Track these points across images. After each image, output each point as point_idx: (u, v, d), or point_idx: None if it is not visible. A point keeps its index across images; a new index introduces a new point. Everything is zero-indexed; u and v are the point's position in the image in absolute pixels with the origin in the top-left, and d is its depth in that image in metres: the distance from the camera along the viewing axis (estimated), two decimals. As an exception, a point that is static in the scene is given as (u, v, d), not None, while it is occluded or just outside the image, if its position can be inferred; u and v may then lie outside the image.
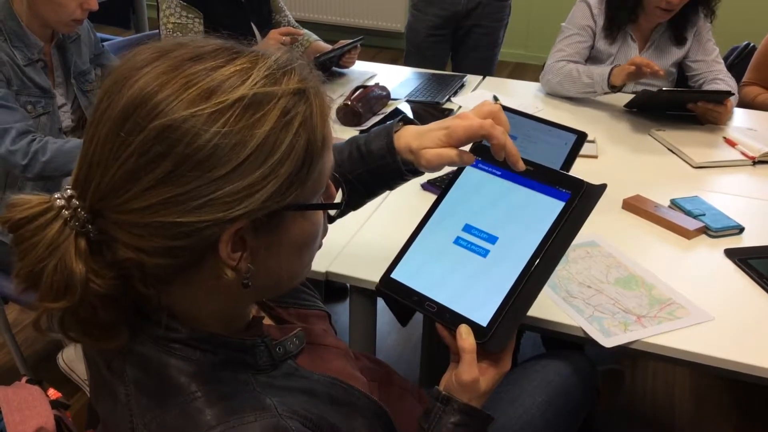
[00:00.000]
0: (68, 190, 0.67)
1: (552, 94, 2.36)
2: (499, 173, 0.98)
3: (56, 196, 0.66)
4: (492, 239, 0.93)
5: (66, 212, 0.65)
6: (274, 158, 0.64)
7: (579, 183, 0.93)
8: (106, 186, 0.64)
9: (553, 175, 0.95)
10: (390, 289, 0.95)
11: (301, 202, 0.69)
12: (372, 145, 1.03)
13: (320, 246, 0.79)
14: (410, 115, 2.19)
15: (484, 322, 0.87)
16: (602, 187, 0.93)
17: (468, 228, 0.95)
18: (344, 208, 1.10)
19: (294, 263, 0.75)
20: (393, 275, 0.96)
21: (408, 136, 1.01)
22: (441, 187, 1.66)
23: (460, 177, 1.00)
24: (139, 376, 0.72)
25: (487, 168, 0.99)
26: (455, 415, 0.87)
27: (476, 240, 0.94)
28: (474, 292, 0.90)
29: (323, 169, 0.71)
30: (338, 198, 0.80)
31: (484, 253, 0.93)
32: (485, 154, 0.98)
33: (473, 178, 1.00)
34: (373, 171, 1.04)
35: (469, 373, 0.86)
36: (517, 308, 0.87)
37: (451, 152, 0.95)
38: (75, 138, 1.87)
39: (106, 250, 0.67)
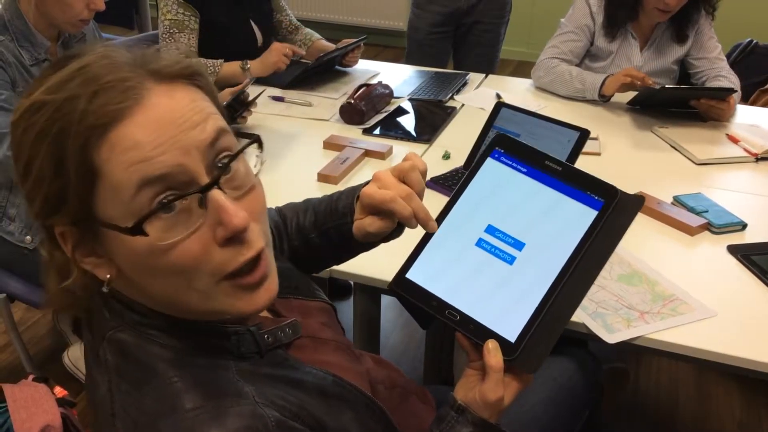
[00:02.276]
0: None
1: (540, 88, 2.39)
2: (524, 170, 0.88)
3: None
4: (518, 245, 0.84)
5: None
6: (31, 173, 0.66)
7: (612, 190, 0.84)
8: None
9: (583, 179, 0.85)
10: (405, 290, 0.86)
11: (99, 218, 0.65)
12: (340, 201, 0.98)
13: (212, 279, 0.69)
14: (411, 113, 2.19)
15: (512, 338, 0.80)
16: (639, 200, 0.85)
17: (491, 230, 0.86)
18: (318, 264, 1.10)
19: (154, 285, 0.69)
20: (408, 275, 0.86)
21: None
22: (445, 186, 1.68)
23: (480, 170, 0.90)
24: (120, 362, 0.73)
25: (510, 162, 0.89)
26: (468, 426, 0.84)
27: (501, 244, 0.85)
28: (499, 303, 0.82)
29: (113, 185, 0.63)
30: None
31: (510, 259, 0.84)
32: (509, 145, 0.89)
33: (496, 173, 0.89)
34: (338, 227, 0.97)
35: (495, 392, 0.81)
36: (548, 326, 0.80)
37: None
38: None
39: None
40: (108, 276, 0.70)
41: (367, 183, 0.92)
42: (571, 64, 2.35)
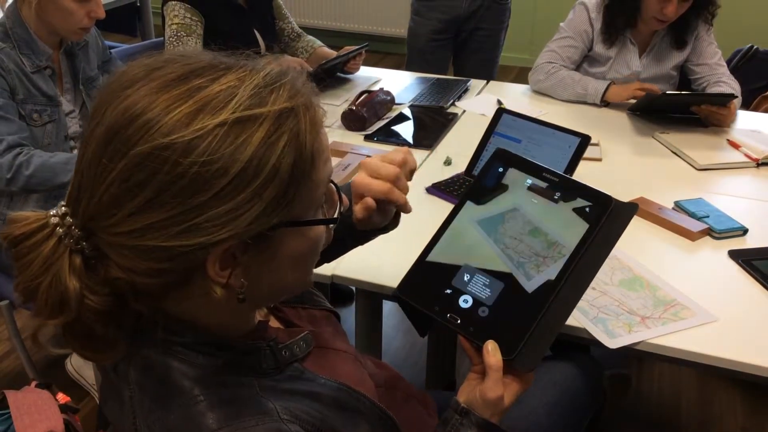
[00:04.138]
0: (63, 207, 0.67)
1: (540, 93, 2.40)
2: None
3: (52, 213, 0.67)
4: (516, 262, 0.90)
5: (60, 230, 0.66)
6: (258, 181, 0.63)
7: (607, 199, 0.88)
8: (93, 207, 0.65)
9: (579, 189, 0.90)
10: (409, 296, 0.91)
11: (293, 219, 0.68)
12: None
13: (319, 257, 0.79)
14: (413, 120, 2.20)
15: (514, 342, 0.84)
16: (633, 207, 0.89)
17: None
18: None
19: (292, 275, 0.74)
20: (406, 284, 0.92)
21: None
22: (446, 191, 1.68)
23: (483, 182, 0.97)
24: (143, 378, 0.73)
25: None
26: (472, 428, 0.85)
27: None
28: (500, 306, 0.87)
29: (317, 183, 0.70)
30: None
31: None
32: (508, 158, 0.95)
33: (492, 186, 0.96)
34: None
35: (495, 391, 0.83)
36: (546, 327, 0.84)
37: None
38: (61, 152, 1.85)
39: (100, 267, 0.67)
40: (243, 281, 0.69)
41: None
42: (567, 69, 2.36)
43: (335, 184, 0.77)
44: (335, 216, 0.77)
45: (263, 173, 0.63)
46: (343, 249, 1.09)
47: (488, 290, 0.87)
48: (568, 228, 0.88)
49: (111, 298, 0.68)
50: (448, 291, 0.89)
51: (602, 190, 0.89)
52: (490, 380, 0.83)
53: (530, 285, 0.86)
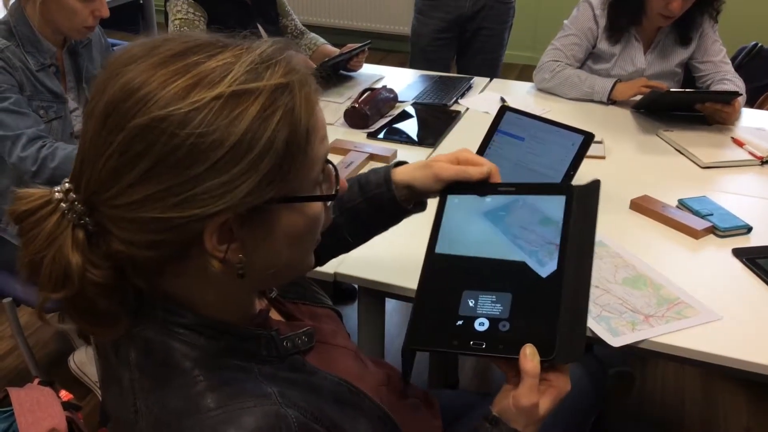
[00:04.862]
0: (66, 184, 0.69)
1: (544, 91, 2.39)
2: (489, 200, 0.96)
3: (56, 189, 0.69)
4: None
5: (63, 205, 0.68)
6: (253, 154, 0.65)
7: (567, 186, 0.92)
8: (95, 181, 0.66)
9: (539, 187, 0.94)
10: (422, 345, 0.86)
11: (288, 194, 0.70)
12: (370, 176, 1.06)
13: (319, 240, 0.79)
14: (416, 118, 2.20)
15: (548, 340, 0.79)
16: (595, 183, 0.92)
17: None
18: (342, 247, 1.13)
19: (290, 253, 0.74)
20: (420, 329, 0.86)
21: (404, 169, 1.04)
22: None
23: (445, 212, 0.96)
24: (144, 360, 0.74)
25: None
26: None
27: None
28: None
29: (313, 160, 0.71)
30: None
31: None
32: (460, 187, 0.97)
33: (461, 210, 0.96)
34: (370, 200, 1.05)
35: (529, 398, 0.78)
36: (571, 314, 0.81)
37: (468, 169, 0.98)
38: None
39: (102, 242, 0.69)
40: (241, 256, 0.70)
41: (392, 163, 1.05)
42: (572, 68, 2.35)
43: (333, 165, 0.77)
44: (333, 194, 0.78)
45: (258, 146, 0.65)
46: (366, 233, 1.11)
47: (498, 305, 0.84)
48: (546, 223, 0.90)
49: (112, 272, 0.69)
50: (459, 323, 0.84)
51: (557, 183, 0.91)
52: (524, 386, 0.78)
53: (544, 271, 0.86)
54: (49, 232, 0.67)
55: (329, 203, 0.78)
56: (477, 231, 0.92)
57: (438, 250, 0.92)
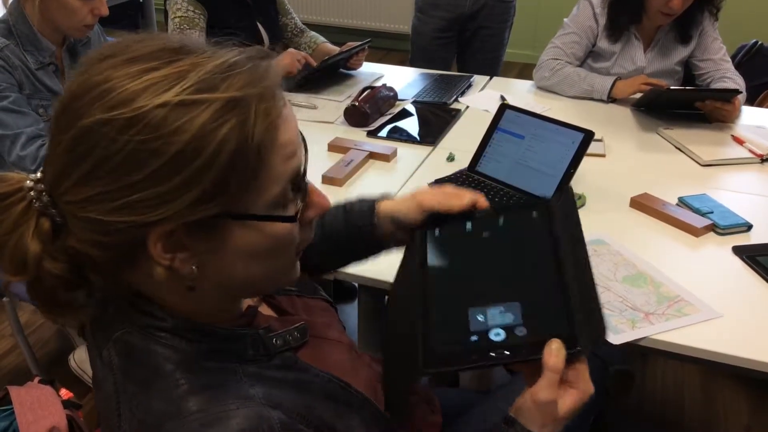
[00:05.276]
0: (39, 173, 0.70)
1: (544, 89, 2.39)
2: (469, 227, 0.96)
3: (30, 177, 0.70)
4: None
5: (31, 194, 0.69)
6: (194, 166, 0.63)
7: (542, 199, 0.93)
8: (51, 176, 0.67)
9: (515, 207, 0.96)
10: (438, 366, 0.82)
11: (239, 211, 0.67)
12: (356, 205, 1.05)
13: (296, 255, 0.77)
14: (416, 116, 2.20)
15: (567, 331, 0.77)
16: (568, 189, 0.93)
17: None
18: (321, 269, 1.12)
19: (250, 270, 0.72)
20: (434, 348, 0.83)
21: (389, 201, 1.03)
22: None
23: (429, 241, 0.95)
24: (126, 364, 0.74)
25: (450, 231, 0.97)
26: None
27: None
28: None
29: (270, 178, 0.68)
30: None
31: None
32: (440, 220, 0.97)
33: (445, 238, 0.96)
34: (351, 227, 1.03)
35: (547, 393, 0.74)
36: (583, 304, 0.80)
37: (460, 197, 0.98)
38: None
39: (63, 235, 0.69)
40: (194, 268, 0.69)
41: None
42: (572, 66, 2.35)
43: (306, 185, 0.75)
44: (309, 215, 0.75)
45: (201, 158, 0.63)
46: (340, 259, 1.11)
47: (509, 314, 0.82)
48: (532, 238, 0.91)
49: (68, 266, 0.70)
50: (474, 338, 0.81)
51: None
52: (544, 380, 0.74)
53: (544, 275, 0.86)
54: (15, 218, 0.68)
55: (307, 221, 0.76)
56: (467, 252, 0.92)
57: (431, 273, 0.90)
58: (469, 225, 0.96)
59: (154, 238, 0.66)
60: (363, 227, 1.02)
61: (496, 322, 0.82)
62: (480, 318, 0.83)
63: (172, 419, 0.68)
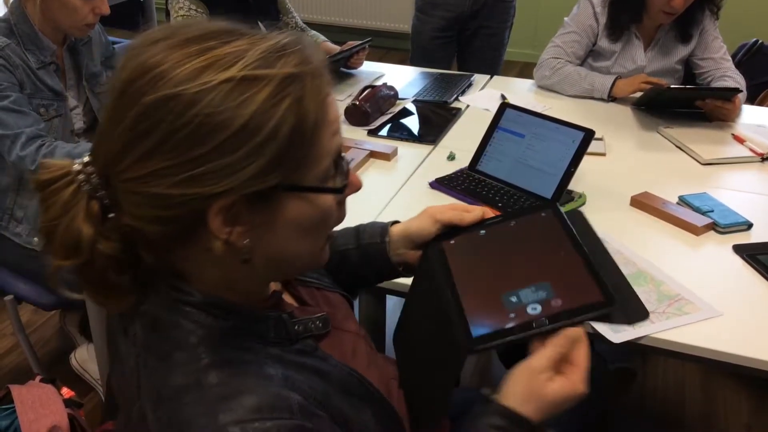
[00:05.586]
0: (86, 157, 0.71)
1: (544, 88, 2.39)
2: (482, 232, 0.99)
3: (76, 161, 0.71)
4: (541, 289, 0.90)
5: (81, 177, 0.70)
6: (258, 139, 0.66)
7: (546, 200, 0.96)
8: (108, 155, 0.69)
9: (522, 210, 1.00)
10: (481, 343, 0.85)
11: (295, 183, 0.70)
12: (368, 227, 1.09)
13: (331, 237, 0.81)
14: (416, 115, 2.20)
15: (601, 297, 0.82)
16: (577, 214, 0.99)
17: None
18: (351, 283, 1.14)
19: (297, 244, 0.75)
20: (474, 331, 0.86)
21: (400, 223, 1.07)
22: (450, 186, 1.68)
23: (448, 253, 0.99)
24: (150, 337, 0.75)
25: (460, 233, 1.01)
26: (493, 416, 0.79)
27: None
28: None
29: (321, 152, 0.72)
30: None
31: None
32: (453, 233, 1.01)
33: (460, 245, 0.99)
34: (362, 247, 1.07)
35: (543, 362, 0.78)
36: (601, 264, 0.85)
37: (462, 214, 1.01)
38: (85, 142, 1.89)
39: (115, 215, 0.71)
40: (246, 242, 0.71)
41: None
42: (573, 65, 2.35)
43: (346, 161, 0.78)
44: (345, 193, 0.78)
45: (264, 131, 0.66)
46: (350, 280, 1.10)
47: (541, 291, 0.86)
48: (546, 232, 0.94)
49: (121, 245, 0.71)
50: (512, 315, 0.85)
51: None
52: (545, 350, 0.78)
53: (569, 255, 0.89)
54: (65, 202, 0.70)
55: (343, 199, 0.79)
56: (486, 251, 0.96)
57: (456, 273, 0.94)
58: (482, 231, 0.99)
59: (215, 211, 0.67)
60: (373, 245, 1.05)
61: (530, 299, 0.86)
62: (513, 299, 0.87)
63: (191, 391, 0.70)
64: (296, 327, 0.82)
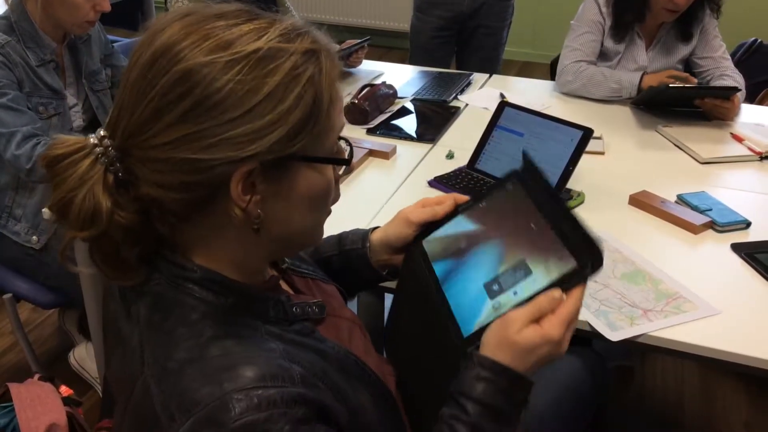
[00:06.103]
0: (101, 131, 0.74)
1: (568, 94, 2.34)
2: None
3: (91, 135, 0.74)
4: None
5: (98, 149, 0.73)
6: (283, 106, 0.70)
7: (512, 173, 0.97)
8: (133, 124, 0.71)
9: (488, 188, 1.00)
10: (476, 338, 0.85)
11: (309, 153, 0.74)
12: (350, 234, 1.11)
13: (329, 213, 0.84)
14: (415, 114, 2.20)
15: (574, 263, 0.82)
16: (525, 159, 0.96)
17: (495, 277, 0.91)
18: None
19: (303, 217, 0.78)
20: (464, 335, 0.87)
21: (379, 231, 1.09)
22: (449, 185, 1.68)
23: (428, 252, 1.01)
24: (153, 315, 0.77)
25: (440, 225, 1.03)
26: (475, 368, 0.80)
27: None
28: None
29: (332, 126, 0.76)
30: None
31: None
32: (429, 230, 1.03)
33: (439, 238, 1.01)
34: (344, 253, 1.09)
35: (519, 315, 0.79)
36: (569, 221, 0.84)
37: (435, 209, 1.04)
38: None
39: (130, 187, 0.74)
40: (259, 211, 0.74)
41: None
42: (594, 66, 2.32)
43: (347, 139, 0.82)
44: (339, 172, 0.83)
45: (289, 99, 0.71)
46: (345, 286, 1.11)
47: (519, 272, 0.86)
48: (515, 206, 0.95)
49: (138, 216, 0.74)
50: (496, 305, 0.87)
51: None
52: (524, 308, 0.80)
53: (537, 229, 0.89)
54: (82, 174, 0.72)
55: (338, 177, 0.83)
56: (463, 242, 0.97)
57: (438, 272, 0.96)
58: (456, 220, 1.00)
59: (237, 178, 0.71)
60: (355, 250, 1.08)
61: (509, 284, 0.87)
62: (495, 288, 0.89)
63: (194, 363, 0.71)
64: (294, 309, 0.84)
